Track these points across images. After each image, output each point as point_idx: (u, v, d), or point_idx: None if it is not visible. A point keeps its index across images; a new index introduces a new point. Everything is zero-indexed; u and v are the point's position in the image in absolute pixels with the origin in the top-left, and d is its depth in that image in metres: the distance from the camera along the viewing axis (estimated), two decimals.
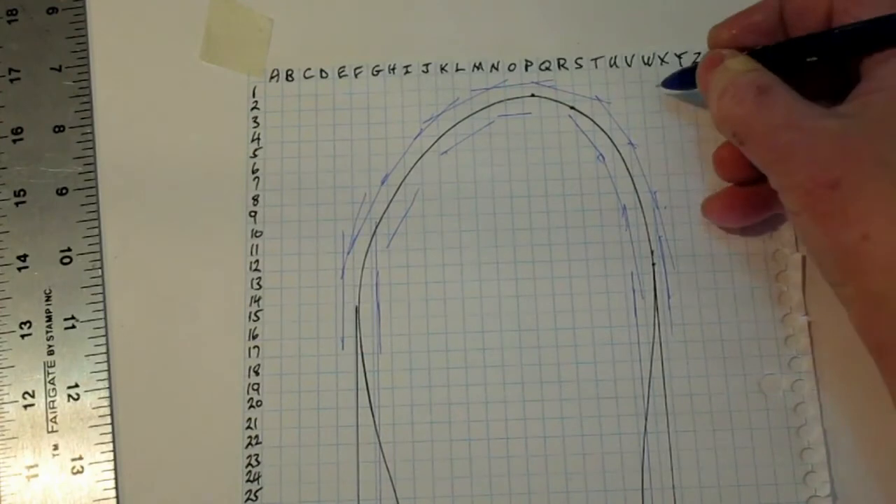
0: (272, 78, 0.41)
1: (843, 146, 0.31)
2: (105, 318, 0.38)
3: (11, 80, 0.41)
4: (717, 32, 0.37)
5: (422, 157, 0.40)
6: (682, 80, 0.39)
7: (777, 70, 0.34)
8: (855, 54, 0.34)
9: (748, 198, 0.37)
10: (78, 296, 0.39)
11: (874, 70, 0.33)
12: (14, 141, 0.40)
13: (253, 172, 0.40)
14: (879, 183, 0.30)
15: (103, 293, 0.39)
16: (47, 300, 0.38)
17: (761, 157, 0.33)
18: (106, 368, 0.38)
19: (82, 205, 0.40)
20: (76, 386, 0.38)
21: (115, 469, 0.37)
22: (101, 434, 0.37)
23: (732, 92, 0.34)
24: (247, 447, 0.37)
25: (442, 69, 0.41)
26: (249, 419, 0.37)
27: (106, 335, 0.38)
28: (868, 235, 0.30)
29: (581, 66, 0.41)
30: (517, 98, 0.41)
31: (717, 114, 0.35)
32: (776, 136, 0.32)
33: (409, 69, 0.41)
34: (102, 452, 0.37)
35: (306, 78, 0.41)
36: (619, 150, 0.40)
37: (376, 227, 0.39)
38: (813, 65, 0.35)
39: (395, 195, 0.40)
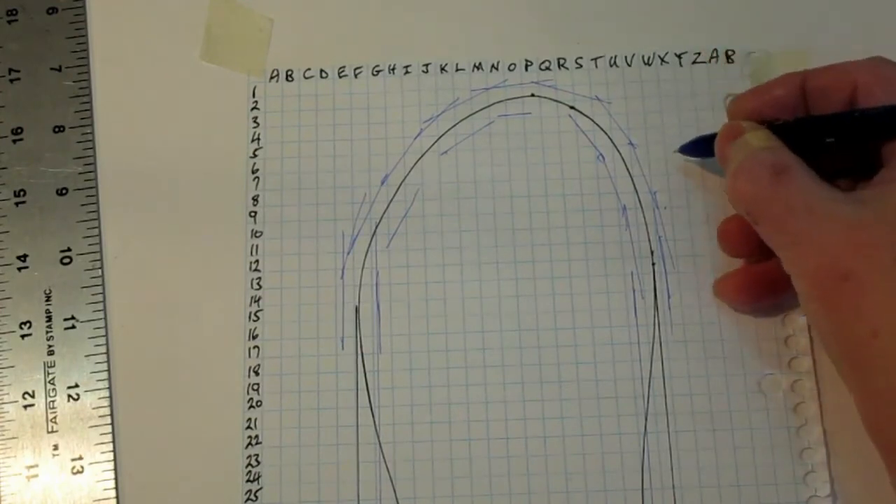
0: (272, 78, 0.41)
1: (856, 236, 0.30)
2: (105, 318, 0.38)
3: (11, 80, 0.41)
4: (738, 103, 0.36)
5: (422, 157, 0.40)
6: (699, 147, 0.38)
7: (797, 146, 0.33)
8: (876, 139, 0.33)
9: (762, 278, 0.36)
10: (78, 296, 0.39)
11: None
12: (14, 141, 0.40)
13: (253, 172, 0.40)
14: (892, 279, 0.29)
15: (103, 293, 0.39)
16: (47, 300, 0.38)
17: (774, 240, 0.32)
18: (106, 368, 0.38)
19: (82, 205, 0.40)
20: (76, 386, 0.38)
21: (115, 469, 0.37)
22: (101, 434, 0.37)
23: (748, 169, 0.33)
24: (247, 447, 0.37)
25: (442, 69, 0.41)
26: (249, 419, 0.37)
27: (106, 335, 0.38)
28: (878, 332, 0.29)
29: (581, 66, 0.41)
30: (517, 98, 0.41)
31: (731, 190, 0.34)
32: (790, 220, 0.31)
33: (409, 69, 0.41)
34: (102, 452, 0.37)
35: (306, 78, 0.41)
36: (619, 150, 0.40)
37: (376, 227, 0.39)
38: (835, 142, 0.34)
39: (395, 195, 0.40)
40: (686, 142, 0.39)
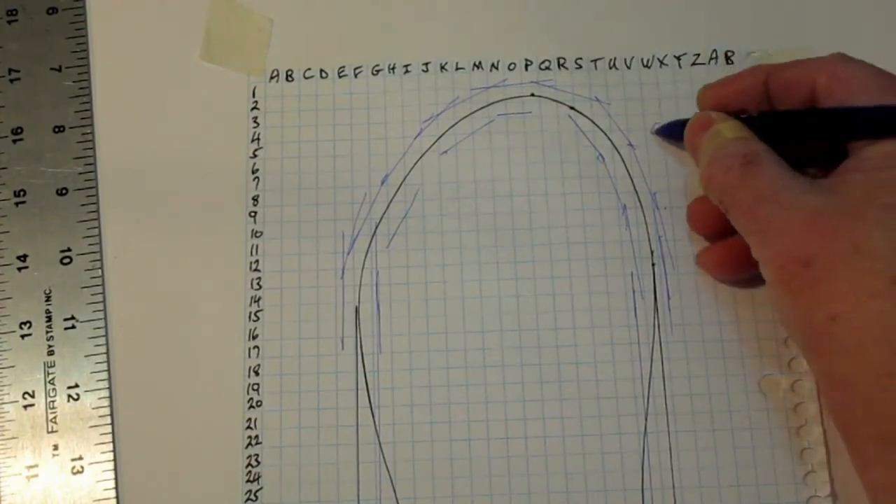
0: (272, 78, 0.41)
1: (819, 224, 0.31)
2: (105, 318, 0.38)
3: (11, 80, 0.41)
4: (706, 93, 0.38)
5: (422, 157, 0.40)
6: (674, 130, 0.39)
7: (767, 137, 0.34)
8: (838, 138, 0.34)
9: (740, 252, 0.36)
10: (78, 296, 0.39)
11: (860, 150, 0.33)
12: (14, 141, 0.40)
13: (253, 172, 0.40)
14: (850, 266, 0.30)
15: (103, 293, 0.39)
16: (47, 300, 0.38)
17: (742, 226, 0.33)
18: (106, 368, 0.38)
19: (82, 205, 0.40)
20: (76, 386, 0.38)
21: (115, 469, 0.37)
22: (101, 434, 0.37)
23: (721, 159, 0.34)
24: (247, 447, 0.37)
25: (442, 69, 0.41)
26: (249, 419, 0.37)
27: (106, 335, 0.38)
28: (836, 317, 0.30)
29: (581, 67, 0.41)
30: (517, 97, 0.41)
31: (705, 180, 0.35)
32: (757, 208, 0.32)
33: (409, 69, 0.41)
34: (102, 452, 0.37)
35: (306, 78, 0.41)
36: (618, 151, 0.40)
37: (376, 227, 0.39)
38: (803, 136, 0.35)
39: (395, 195, 0.40)
40: (662, 124, 0.40)
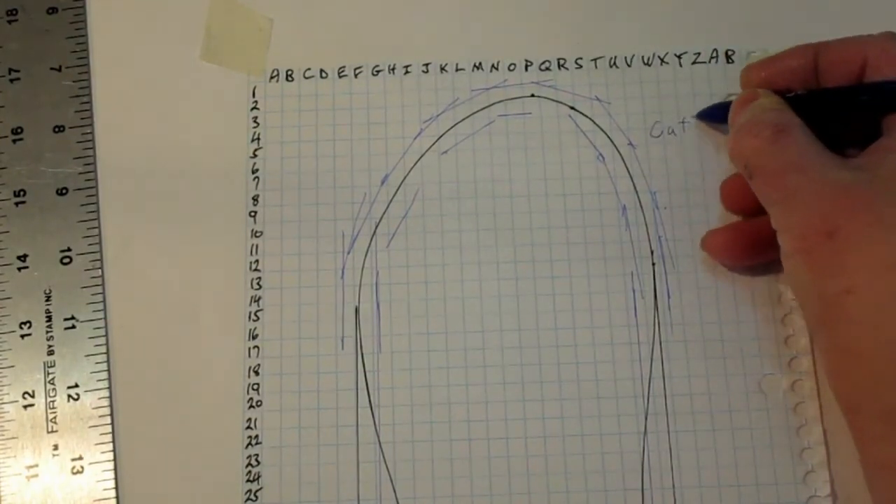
0: (272, 78, 0.41)
1: (846, 198, 0.31)
2: (105, 318, 0.38)
3: (11, 80, 0.41)
4: (749, 72, 0.38)
5: (422, 157, 0.40)
6: (715, 113, 0.39)
7: (807, 117, 0.34)
8: (882, 112, 0.34)
9: (751, 235, 0.37)
10: (78, 296, 0.39)
11: (894, 129, 0.33)
12: (14, 141, 0.40)
13: (253, 172, 0.40)
14: (873, 240, 0.30)
15: (103, 293, 0.39)
16: (47, 300, 0.38)
17: (766, 195, 0.33)
18: (106, 368, 0.38)
19: (82, 205, 0.40)
20: (76, 386, 0.38)
21: (115, 469, 0.37)
22: (101, 434, 0.37)
23: (751, 125, 0.34)
24: (247, 447, 0.37)
25: (442, 69, 0.41)
26: (249, 419, 0.37)
27: (106, 335, 0.38)
28: (851, 289, 0.30)
29: (581, 67, 0.41)
30: (517, 98, 0.41)
31: (733, 145, 0.35)
32: (784, 176, 0.32)
33: (409, 69, 0.41)
34: (102, 452, 0.37)
35: (306, 78, 0.41)
36: (618, 151, 0.40)
37: (376, 227, 0.39)
38: (844, 114, 0.35)
39: (395, 195, 0.40)
40: (703, 108, 0.40)
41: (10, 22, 0.42)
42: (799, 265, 0.32)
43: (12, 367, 0.38)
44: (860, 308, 0.30)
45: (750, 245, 0.37)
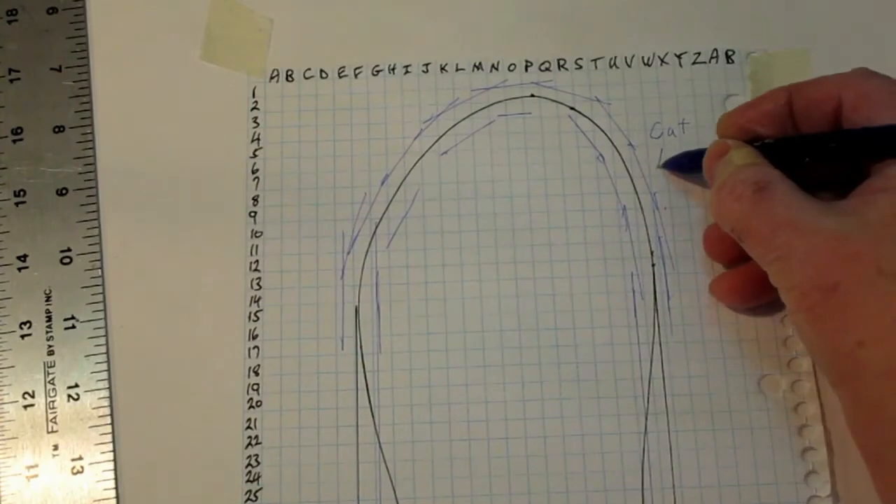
0: (272, 78, 0.41)
1: (842, 249, 0.30)
2: (105, 318, 0.38)
3: (11, 80, 0.41)
4: (727, 120, 0.37)
5: (422, 157, 0.40)
6: (683, 162, 0.39)
7: (783, 163, 0.33)
8: (862, 157, 0.33)
9: (757, 277, 0.35)
10: (78, 296, 0.39)
11: (882, 169, 0.32)
12: (14, 141, 0.40)
13: (253, 172, 0.40)
14: (877, 290, 0.29)
15: (103, 293, 0.39)
16: (47, 300, 0.38)
17: (760, 255, 0.32)
18: (106, 368, 0.38)
19: (82, 205, 0.40)
20: (76, 386, 0.38)
21: (115, 469, 0.37)
22: (101, 434, 0.37)
23: (731, 187, 0.33)
24: (247, 447, 0.37)
25: (442, 69, 0.41)
26: (249, 419, 0.37)
27: (106, 335, 0.38)
28: (863, 342, 0.29)
29: (581, 67, 0.41)
30: (517, 98, 0.41)
31: (716, 208, 0.34)
32: (774, 236, 0.31)
33: (409, 69, 0.41)
34: (102, 452, 0.37)
35: (306, 78, 0.41)
36: (618, 151, 0.40)
37: (376, 227, 0.39)
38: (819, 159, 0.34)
39: (395, 195, 0.40)
40: (669, 157, 0.39)
41: (10, 22, 0.42)
42: (805, 322, 0.31)
43: (12, 367, 0.38)
44: (875, 360, 0.29)
45: (759, 287, 0.36)
